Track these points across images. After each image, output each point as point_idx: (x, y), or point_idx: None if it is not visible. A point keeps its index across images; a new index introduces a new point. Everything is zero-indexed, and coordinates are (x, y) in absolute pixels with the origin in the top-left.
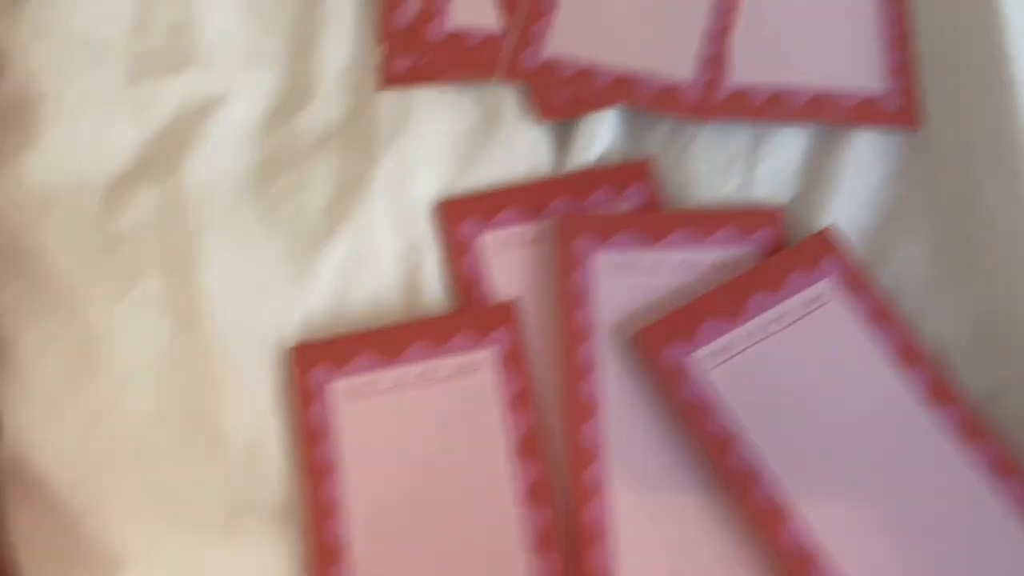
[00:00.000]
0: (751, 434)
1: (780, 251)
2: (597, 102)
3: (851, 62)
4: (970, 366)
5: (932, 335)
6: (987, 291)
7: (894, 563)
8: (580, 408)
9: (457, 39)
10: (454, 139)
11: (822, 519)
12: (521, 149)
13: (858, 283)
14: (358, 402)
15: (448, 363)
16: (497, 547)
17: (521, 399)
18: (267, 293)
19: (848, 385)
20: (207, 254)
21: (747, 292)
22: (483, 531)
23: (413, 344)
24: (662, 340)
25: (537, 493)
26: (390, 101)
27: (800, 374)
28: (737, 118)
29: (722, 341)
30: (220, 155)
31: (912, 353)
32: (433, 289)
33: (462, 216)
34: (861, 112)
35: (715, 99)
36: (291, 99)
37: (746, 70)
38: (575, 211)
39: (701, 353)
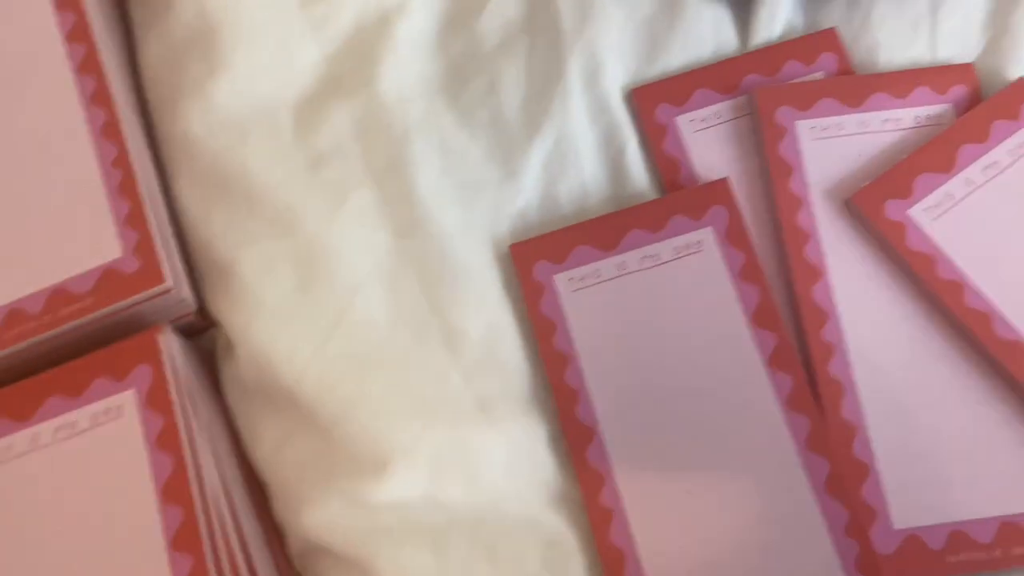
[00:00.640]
0: (981, 278)
1: (979, 103)
2: None
3: None
4: None
5: None
6: None
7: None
8: (808, 271)
9: None
10: (637, 26)
11: None
12: (705, 30)
13: None
14: (585, 292)
15: (668, 245)
16: (748, 409)
17: (749, 271)
18: (478, 194)
19: None
20: (414, 161)
21: (956, 144)
22: (732, 395)
23: (630, 232)
24: (880, 199)
25: (781, 358)
26: None
27: (1020, 218)
28: None
29: (938, 194)
30: (408, 65)
31: None
32: (638, 175)
33: (656, 101)
34: None
35: None
36: (466, 4)
37: None
38: (770, 84)
39: (920, 207)
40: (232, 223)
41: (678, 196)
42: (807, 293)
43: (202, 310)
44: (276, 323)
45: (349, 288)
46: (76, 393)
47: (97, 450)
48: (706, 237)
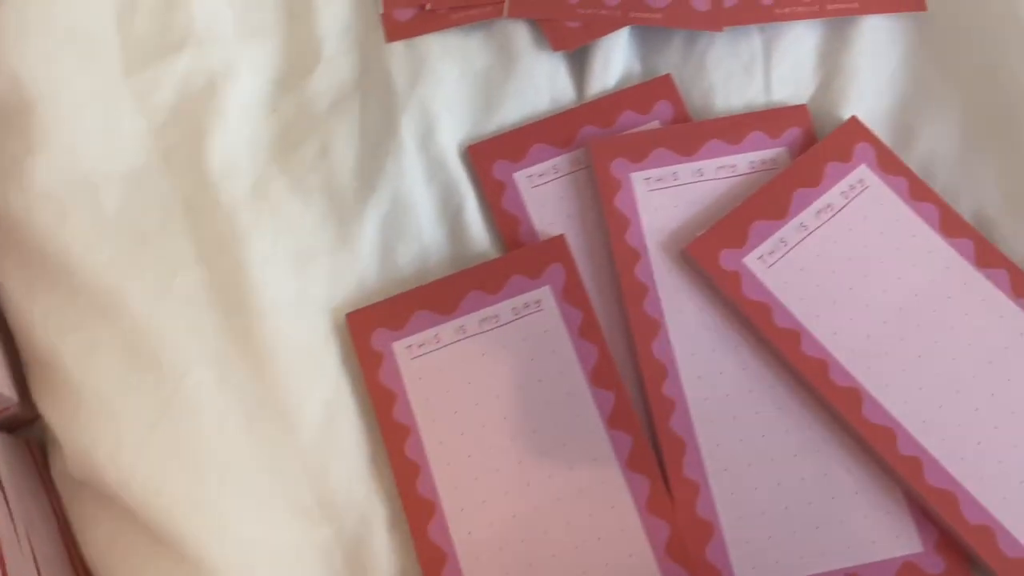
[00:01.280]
0: (816, 325)
1: (812, 146)
2: (608, 26)
3: None
4: (1012, 228)
5: (969, 208)
6: (1020, 152)
7: (969, 426)
8: (648, 325)
9: None
10: (472, 80)
11: (897, 397)
12: (540, 82)
13: (892, 165)
14: (424, 358)
15: (507, 306)
16: (589, 470)
17: (587, 329)
18: (313, 263)
19: (901, 263)
20: (244, 234)
21: (789, 190)
22: (573, 455)
23: (468, 294)
24: (716, 248)
25: (620, 417)
26: (399, 53)
27: (854, 260)
28: (748, 22)
29: (773, 240)
30: (238, 131)
31: (955, 223)
32: (478, 233)
33: (493, 157)
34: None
35: (724, 6)
36: (297, 65)
37: None
38: (605, 136)
39: (755, 255)
40: (54, 308)
41: (515, 255)
42: (647, 348)
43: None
44: (99, 419)
45: (176, 375)
46: None
47: None
48: (544, 296)
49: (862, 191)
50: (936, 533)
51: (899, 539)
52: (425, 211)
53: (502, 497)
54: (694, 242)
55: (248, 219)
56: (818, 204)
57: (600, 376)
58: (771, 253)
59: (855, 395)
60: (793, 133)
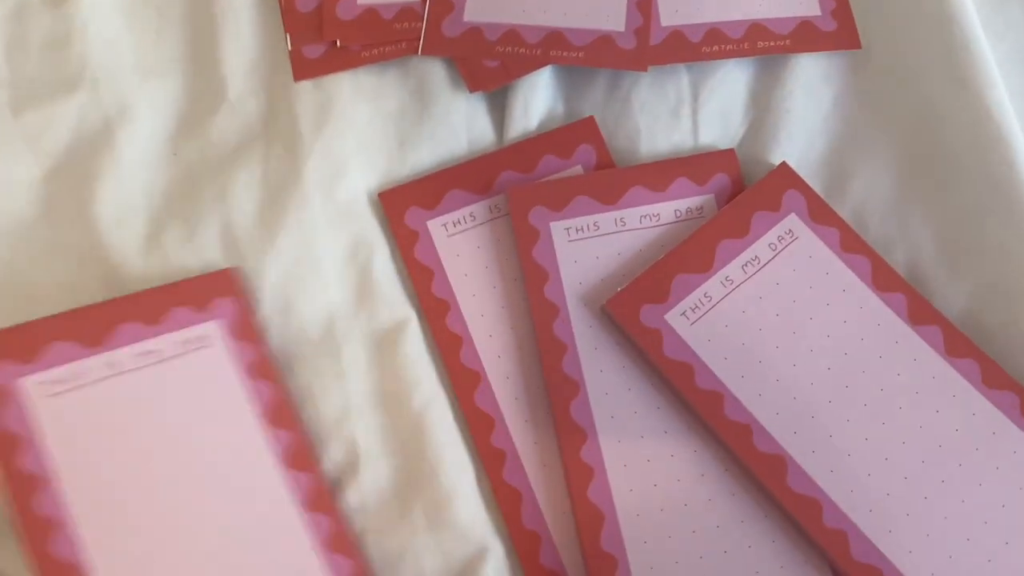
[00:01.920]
0: (740, 387)
1: (740, 193)
2: (527, 65)
3: None
4: (946, 281)
5: (903, 260)
6: (954, 202)
7: (898, 496)
8: (566, 385)
9: (370, 15)
10: (384, 123)
11: (823, 464)
12: (457, 124)
13: (823, 214)
14: (63, 398)
15: (169, 340)
16: (264, 512)
17: (259, 367)
18: None
19: (831, 319)
20: (136, 287)
21: (714, 241)
22: (245, 497)
23: (121, 325)
24: (636, 304)
25: (295, 457)
26: (308, 93)
27: (781, 315)
28: (674, 61)
29: (696, 295)
30: (132, 179)
31: (888, 277)
32: (389, 287)
33: (406, 204)
34: (799, 37)
35: (649, 45)
36: (199, 106)
37: (676, 11)
38: (525, 182)
39: (677, 311)
40: None
41: (178, 286)
42: (564, 410)
43: None
44: None
45: None
46: None
47: None
48: (211, 331)
49: (791, 242)
50: None
51: None
52: (332, 264)
53: None
54: (613, 298)
55: (139, 272)
56: (744, 256)
57: (274, 416)
58: (694, 309)
59: (780, 463)
60: (720, 180)
